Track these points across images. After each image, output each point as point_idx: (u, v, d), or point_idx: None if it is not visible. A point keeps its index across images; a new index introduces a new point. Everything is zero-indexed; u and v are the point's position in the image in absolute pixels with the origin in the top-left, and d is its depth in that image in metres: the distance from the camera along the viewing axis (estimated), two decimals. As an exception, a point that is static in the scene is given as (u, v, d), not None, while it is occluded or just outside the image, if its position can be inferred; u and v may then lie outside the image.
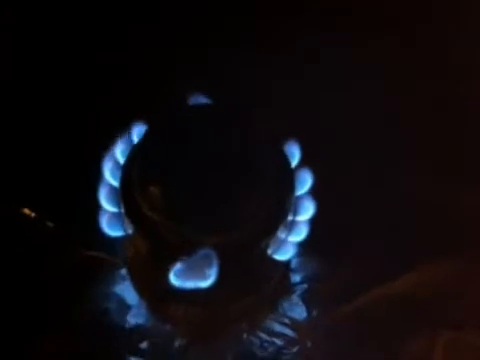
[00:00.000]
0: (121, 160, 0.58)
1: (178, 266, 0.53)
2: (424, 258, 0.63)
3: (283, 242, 0.58)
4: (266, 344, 0.62)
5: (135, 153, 0.57)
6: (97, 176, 0.58)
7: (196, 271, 0.53)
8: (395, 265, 0.63)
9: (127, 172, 0.56)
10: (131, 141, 0.59)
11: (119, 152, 0.58)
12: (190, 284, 0.54)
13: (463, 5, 0.72)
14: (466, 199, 0.66)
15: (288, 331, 0.62)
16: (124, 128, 0.59)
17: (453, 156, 0.68)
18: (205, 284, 0.54)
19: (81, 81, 0.71)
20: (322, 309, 0.63)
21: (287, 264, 0.62)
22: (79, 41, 0.72)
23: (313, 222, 0.58)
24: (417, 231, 0.65)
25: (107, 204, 0.57)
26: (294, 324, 0.62)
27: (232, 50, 0.71)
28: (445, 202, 0.66)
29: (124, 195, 0.56)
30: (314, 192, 0.58)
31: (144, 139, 0.58)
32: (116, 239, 0.58)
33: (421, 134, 0.69)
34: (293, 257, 0.59)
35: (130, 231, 0.57)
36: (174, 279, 0.54)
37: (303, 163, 0.59)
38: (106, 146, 0.59)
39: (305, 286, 0.64)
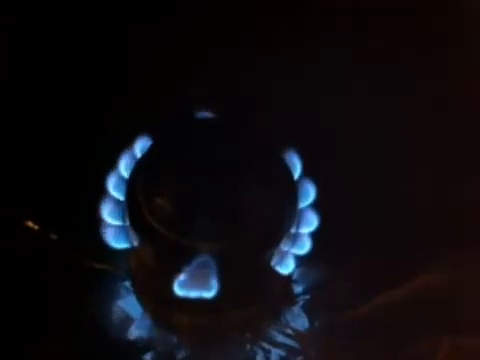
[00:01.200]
0: (125, 174, 0.58)
1: (182, 276, 0.53)
2: (425, 264, 0.63)
3: (286, 254, 0.58)
4: (269, 354, 0.62)
5: (140, 166, 0.57)
6: (100, 188, 0.58)
7: (200, 281, 0.53)
8: (396, 273, 0.63)
9: (132, 185, 0.56)
10: (134, 155, 0.59)
11: (123, 166, 0.58)
12: (194, 294, 0.54)
13: (463, 5, 0.72)
14: (466, 199, 0.66)
15: (291, 341, 0.62)
16: (127, 139, 0.59)
17: (453, 156, 0.68)
18: (209, 294, 0.54)
19: (81, 83, 0.71)
20: (324, 319, 0.63)
21: (290, 275, 0.61)
22: (79, 41, 0.72)
23: (314, 232, 0.58)
24: (417, 236, 0.65)
25: (110, 218, 0.57)
26: (297, 334, 0.62)
27: (232, 50, 0.71)
28: (445, 202, 0.66)
29: (130, 208, 0.56)
30: (313, 201, 0.58)
31: (148, 153, 0.58)
32: (120, 252, 0.58)
33: (421, 134, 0.69)
34: (295, 270, 0.59)
35: (134, 243, 0.57)
36: (178, 289, 0.54)
37: (305, 173, 0.59)
38: (109, 157, 0.59)
39: (307, 297, 0.64)
